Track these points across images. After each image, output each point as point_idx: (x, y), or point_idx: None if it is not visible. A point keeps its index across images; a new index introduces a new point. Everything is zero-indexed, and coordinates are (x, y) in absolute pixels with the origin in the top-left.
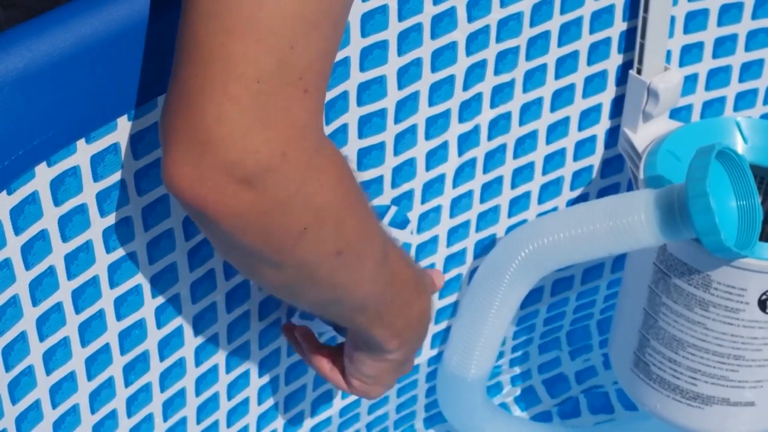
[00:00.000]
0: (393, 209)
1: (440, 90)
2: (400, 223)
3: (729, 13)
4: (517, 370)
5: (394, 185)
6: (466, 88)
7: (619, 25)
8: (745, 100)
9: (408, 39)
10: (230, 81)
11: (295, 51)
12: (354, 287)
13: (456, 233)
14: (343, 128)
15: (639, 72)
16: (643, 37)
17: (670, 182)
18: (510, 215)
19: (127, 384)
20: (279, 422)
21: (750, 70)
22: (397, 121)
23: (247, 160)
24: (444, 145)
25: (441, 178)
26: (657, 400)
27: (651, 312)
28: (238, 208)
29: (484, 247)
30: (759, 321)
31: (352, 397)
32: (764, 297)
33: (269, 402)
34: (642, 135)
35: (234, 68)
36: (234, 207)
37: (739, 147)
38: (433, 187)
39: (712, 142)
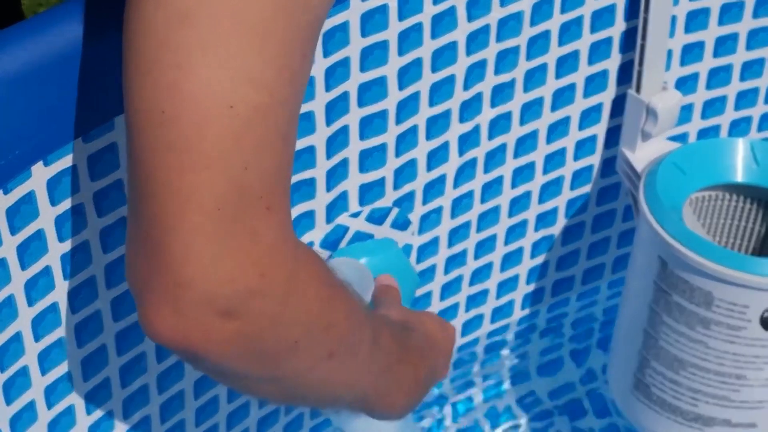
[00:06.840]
0: (395, 211)
1: (441, 90)
2: (402, 224)
3: (730, 12)
4: (517, 370)
5: (396, 187)
6: (466, 87)
7: (620, 25)
8: (746, 99)
9: (408, 39)
10: (189, 215)
11: (250, 172)
12: (351, 382)
13: (457, 234)
14: (344, 130)
15: (638, 91)
16: (643, 38)
17: (673, 200)
18: (510, 215)
19: (123, 386)
20: (279, 426)
21: (751, 69)
22: (398, 122)
23: (225, 291)
24: (445, 146)
25: (442, 179)
26: (657, 422)
27: (651, 332)
28: (225, 339)
29: (485, 248)
30: (761, 339)
31: None
32: (766, 314)
33: (270, 405)
34: (640, 155)
35: (189, 201)
36: (221, 340)
37: (751, 169)
38: (434, 188)
39: (719, 161)
